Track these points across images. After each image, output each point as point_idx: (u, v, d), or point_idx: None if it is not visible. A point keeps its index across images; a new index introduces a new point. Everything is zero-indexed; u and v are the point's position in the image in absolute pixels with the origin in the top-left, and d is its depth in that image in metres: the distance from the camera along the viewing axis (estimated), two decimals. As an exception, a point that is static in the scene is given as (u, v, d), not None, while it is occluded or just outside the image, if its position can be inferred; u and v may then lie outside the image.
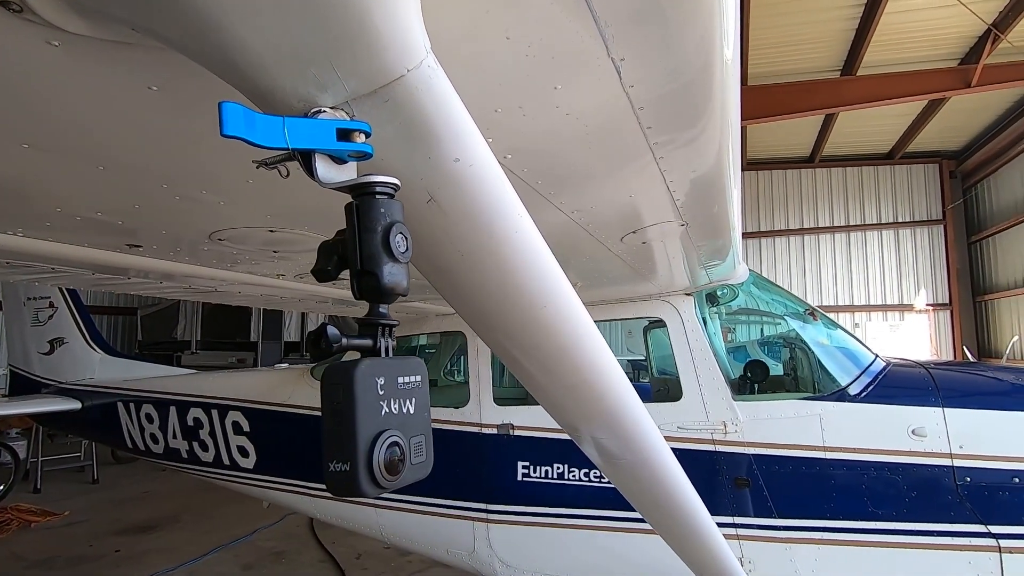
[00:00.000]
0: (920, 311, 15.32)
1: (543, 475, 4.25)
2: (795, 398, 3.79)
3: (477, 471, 4.53)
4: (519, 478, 4.32)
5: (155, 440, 6.09)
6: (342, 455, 0.71)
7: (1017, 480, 3.30)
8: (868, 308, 15.60)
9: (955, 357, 14.32)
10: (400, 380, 0.77)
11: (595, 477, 4.07)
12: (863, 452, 3.55)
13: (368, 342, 0.79)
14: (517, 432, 4.39)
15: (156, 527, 7.96)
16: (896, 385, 3.68)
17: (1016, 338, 13.21)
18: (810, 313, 4.53)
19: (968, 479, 3.34)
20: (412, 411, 0.77)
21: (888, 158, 15.85)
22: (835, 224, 16.14)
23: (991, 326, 14.84)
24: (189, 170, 1.36)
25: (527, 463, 4.32)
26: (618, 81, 1.11)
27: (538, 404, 5.11)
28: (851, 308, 15.51)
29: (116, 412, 6.43)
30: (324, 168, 0.74)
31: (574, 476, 4.15)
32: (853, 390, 3.66)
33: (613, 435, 1.46)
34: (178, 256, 2.27)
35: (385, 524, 4.94)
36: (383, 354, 0.79)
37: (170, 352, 14.55)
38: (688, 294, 4.10)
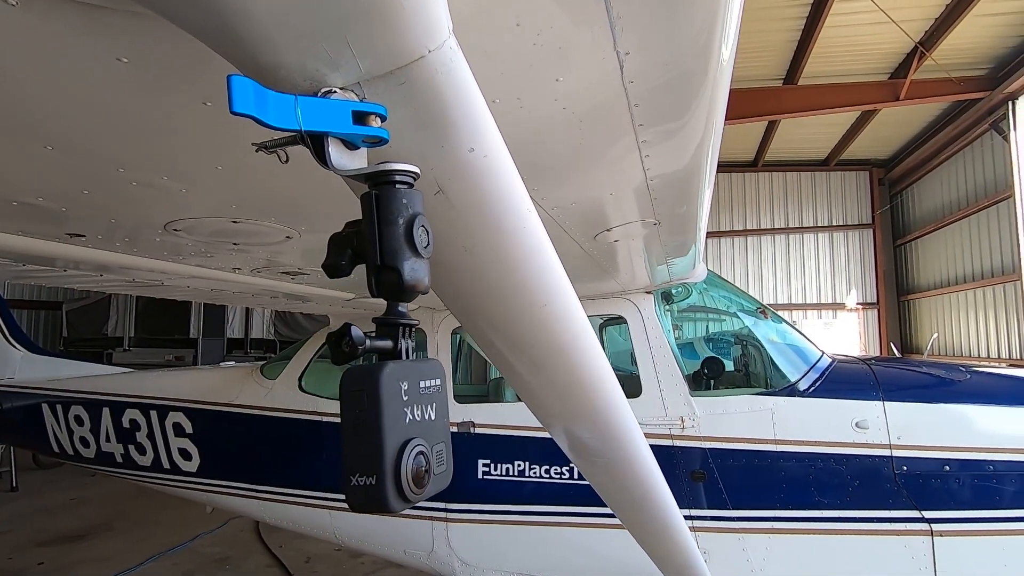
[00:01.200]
0: (851, 310, 16.29)
1: (504, 473, 4.23)
2: (749, 393, 3.92)
3: (437, 470, 4.47)
4: (480, 476, 4.28)
5: (85, 444, 5.68)
6: (366, 468, 0.65)
7: (947, 468, 3.54)
8: (804, 307, 16.43)
9: (881, 353, 15.29)
10: (422, 384, 0.72)
11: (555, 474, 4.09)
12: (811, 444, 3.71)
13: (388, 343, 0.73)
14: (478, 430, 4.35)
15: (85, 536, 7.44)
16: (841, 380, 3.87)
17: (935, 335, 14.25)
18: (761, 311, 4.71)
19: (905, 468, 3.55)
20: (433, 417, 0.72)
21: (824, 165, 16.73)
22: (775, 226, 16.90)
23: (913, 324, 15.95)
24: (151, 153, 1.24)
25: (488, 461, 4.29)
26: (619, 76, 1.10)
27: (500, 402, 5.10)
28: (789, 306, 16.28)
29: (40, 414, 5.95)
30: (337, 153, 0.68)
31: (535, 473, 4.16)
32: (802, 386, 3.82)
33: (598, 434, 1.45)
34: (125, 247, 2.11)
35: (340, 526, 4.80)
36: (404, 356, 0.73)
37: (100, 349, 13.61)
38: (648, 292, 4.17)
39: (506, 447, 4.25)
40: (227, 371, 5.96)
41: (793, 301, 16.51)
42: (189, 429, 5.44)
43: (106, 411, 5.64)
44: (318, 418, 4.91)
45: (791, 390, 3.82)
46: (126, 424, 5.58)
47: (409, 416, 0.68)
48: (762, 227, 16.82)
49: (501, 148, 0.80)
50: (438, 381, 0.76)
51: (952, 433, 3.58)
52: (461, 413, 4.40)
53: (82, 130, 1.13)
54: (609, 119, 1.30)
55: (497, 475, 4.25)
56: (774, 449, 3.74)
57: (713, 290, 4.88)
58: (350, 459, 0.66)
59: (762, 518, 3.71)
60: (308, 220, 1.80)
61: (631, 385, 4.35)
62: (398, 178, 0.70)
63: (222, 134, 1.11)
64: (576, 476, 4.03)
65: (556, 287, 1.00)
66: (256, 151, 0.74)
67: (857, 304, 16.29)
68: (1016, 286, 11.80)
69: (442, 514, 4.40)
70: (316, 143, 0.66)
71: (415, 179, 0.72)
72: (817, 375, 3.87)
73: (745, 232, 16.76)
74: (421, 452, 0.68)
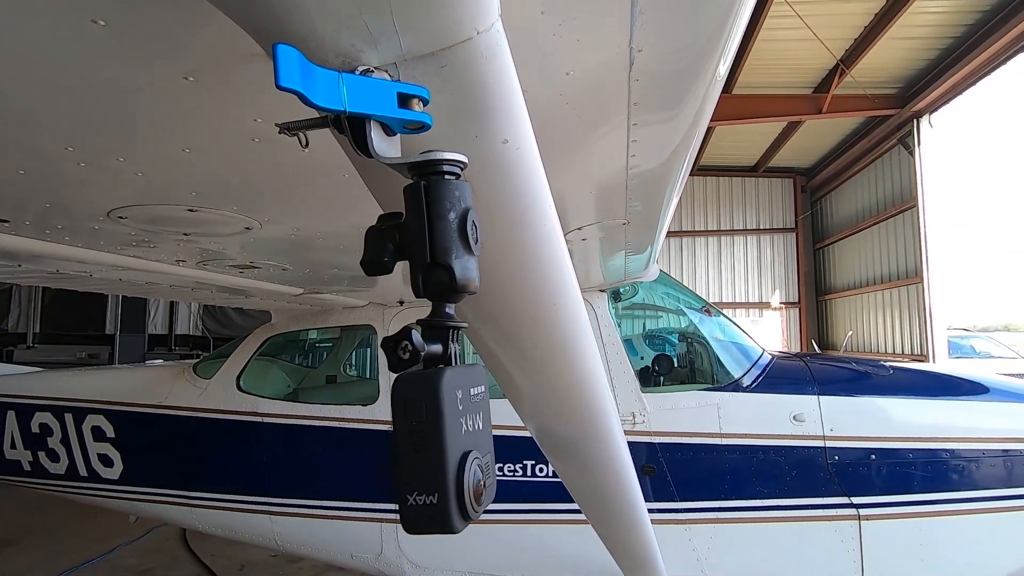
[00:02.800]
0: (775, 308, 17.32)
1: (457, 471, 4.18)
2: (696, 389, 4.06)
3: (386, 471, 4.35)
4: (431, 476, 4.22)
5: (-14, 451, 5.14)
6: (426, 485, 0.60)
7: (873, 456, 3.80)
8: (733, 305, 17.29)
9: (802, 349, 16.33)
10: (471, 391, 0.66)
11: (509, 472, 4.08)
12: (753, 437, 3.89)
13: (439, 348, 0.67)
14: (429, 429, 4.28)
15: (-16, 553, 6.74)
16: (780, 376, 4.07)
17: (850, 332, 15.38)
18: (706, 310, 4.89)
19: (836, 457, 3.79)
20: (480, 427, 0.67)
21: (753, 171, 17.65)
22: (708, 228, 17.67)
23: (830, 322, 17.15)
24: (111, 131, 1.11)
25: (438, 460, 4.23)
26: (627, 73, 1.08)
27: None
28: (719, 305, 17.07)
29: (-70, 420, 5.33)
30: (379, 139, 0.61)
31: (487, 471, 4.13)
32: (745, 381, 3.99)
33: (583, 433, 1.44)
34: (55, 235, 1.89)
35: (281, 532, 4.58)
36: (454, 362, 0.67)
37: (-2, 346, 12.36)
38: (602, 290, 4.23)
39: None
40: (154, 370, 5.56)
41: (723, 300, 17.33)
42: (111, 433, 5.04)
43: (11, 415, 5.13)
44: (258, 419, 4.66)
45: (736, 386, 3.98)
46: (35, 429, 5.09)
47: (464, 427, 0.63)
48: (696, 229, 17.53)
49: (532, 141, 0.77)
50: (483, 388, 0.71)
51: (877, 424, 3.85)
52: (412, 412, 4.31)
53: (33, 100, 0.99)
54: (604, 114, 1.29)
55: (449, 474, 4.20)
56: (720, 443, 3.89)
57: (660, 288, 5.01)
58: (406, 476, 0.60)
59: (708, 509, 3.86)
60: (273, 210, 1.68)
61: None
62: (447, 168, 0.64)
63: (200, 114, 1.01)
64: (531, 473, 4.03)
65: (566, 286, 0.98)
66: (279, 132, 0.66)
67: (781, 303, 17.33)
68: (918, 288, 12.91)
69: (392, 515, 4.30)
70: (356, 127, 0.60)
71: (463, 168, 0.67)
72: (759, 371, 4.06)
73: (680, 233, 17.42)
74: (479, 465, 0.63)
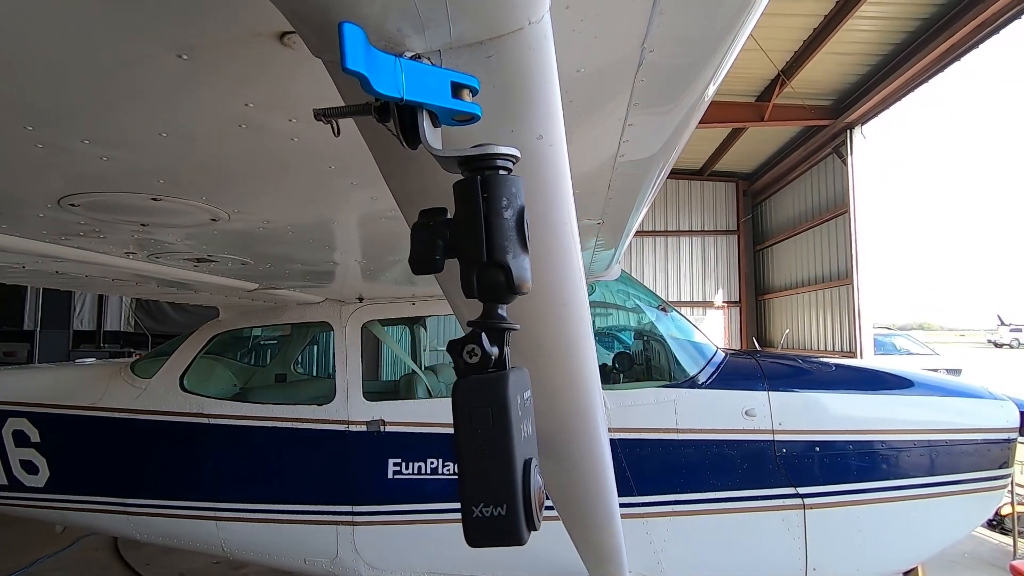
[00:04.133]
0: (718, 307, 18.02)
1: (416, 471, 4.12)
2: (654, 386, 4.16)
3: (342, 472, 4.23)
4: (390, 476, 4.14)
5: None
6: (493, 496, 0.58)
7: (817, 448, 4.01)
8: (679, 304, 17.85)
9: (742, 346, 17.08)
10: (525, 396, 0.64)
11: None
12: (708, 432, 4.02)
13: (496, 351, 0.63)
14: (389, 428, 4.19)
15: None
16: (734, 373, 4.23)
17: (788, 331, 16.20)
18: (662, 308, 5.01)
19: (784, 450, 3.97)
20: (531, 432, 0.64)
21: (699, 174, 18.28)
22: (656, 229, 18.17)
23: (768, 321, 18.00)
24: (81, 110, 1.01)
25: (399, 460, 4.15)
26: (634, 74, 1.08)
27: (411, 398, 4.93)
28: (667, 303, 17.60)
29: None
30: (429, 130, 0.57)
31: (449, 470, 4.09)
32: (701, 378, 4.12)
33: (572, 434, 1.43)
34: (-9, 222, 1.72)
35: (228, 538, 4.39)
36: (507, 365, 0.64)
37: None
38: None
39: (419, 445, 4.14)
40: (87, 369, 5.18)
41: (669, 298, 17.87)
42: (35, 438, 4.68)
43: (-82, 420, 4.68)
44: (204, 420, 4.44)
45: (692, 383, 4.10)
46: (-54, 434, 4.66)
47: (523, 432, 0.61)
48: (644, 229, 17.98)
49: (563, 139, 0.75)
50: (530, 392, 0.68)
51: (821, 418, 4.05)
52: (370, 411, 4.21)
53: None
54: (602, 114, 1.29)
55: (409, 474, 4.13)
56: (676, 438, 4.00)
57: (619, 287, 5.10)
58: (472, 487, 0.57)
59: (664, 503, 3.96)
60: (246, 201, 1.59)
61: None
62: (502, 162, 0.61)
63: (189, 95, 0.93)
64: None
65: (577, 285, 0.97)
66: (315, 118, 0.61)
67: (723, 302, 18.04)
68: (849, 289, 13.74)
69: (348, 517, 4.19)
70: (408, 117, 0.56)
71: (515, 164, 0.63)
72: (714, 369, 4.20)
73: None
74: (537, 472, 0.61)
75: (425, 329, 7.50)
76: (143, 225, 1.78)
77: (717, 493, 3.94)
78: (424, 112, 0.56)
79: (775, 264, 17.84)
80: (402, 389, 4.72)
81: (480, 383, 0.60)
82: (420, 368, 5.17)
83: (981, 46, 9.24)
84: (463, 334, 0.64)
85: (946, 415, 4.11)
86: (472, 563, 4.10)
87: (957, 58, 10.12)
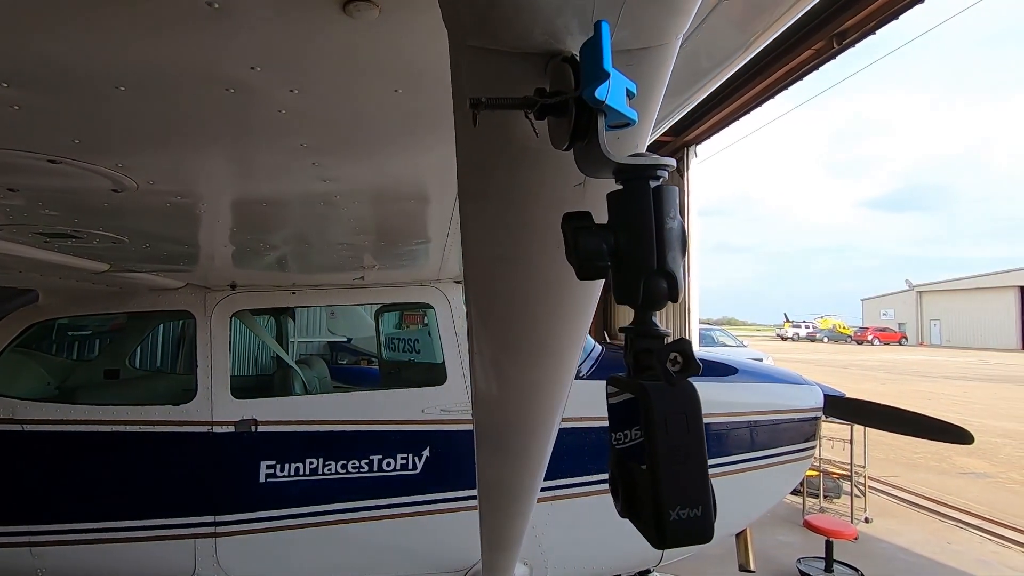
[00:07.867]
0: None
1: (293, 473, 3.84)
2: (540, 378, 4.35)
3: (204, 478, 3.79)
4: (262, 480, 3.80)
5: None
6: (691, 498, 0.59)
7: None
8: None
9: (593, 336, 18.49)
10: None
11: (354, 468, 3.87)
12: (587, 420, 4.31)
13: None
14: (262, 428, 3.84)
15: None
16: (610, 365, 4.57)
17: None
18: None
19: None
20: None
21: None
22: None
23: (614, 317, 19.75)
24: (19, 43, 0.79)
25: (273, 462, 3.83)
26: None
27: (287, 395, 4.60)
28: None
29: None
30: (603, 135, 0.56)
31: (330, 470, 3.88)
32: (582, 371, 4.40)
33: (530, 430, 1.46)
34: None
35: (49, 564, 3.70)
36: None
37: None
38: (458, 281, 4.25)
39: (297, 444, 3.86)
40: None
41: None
42: None
43: None
44: (16, 426, 3.67)
45: (576, 375, 4.35)
46: None
47: None
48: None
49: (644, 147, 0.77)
50: None
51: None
52: (240, 410, 3.82)
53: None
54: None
55: (285, 476, 3.84)
56: (561, 426, 4.22)
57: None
58: (670, 491, 0.58)
59: (549, 488, 4.17)
60: (171, 171, 1.36)
61: (436, 373, 4.39)
62: (661, 173, 0.62)
63: (197, 51, 0.79)
64: (377, 468, 3.88)
65: (594, 285, 1.00)
66: (469, 107, 0.56)
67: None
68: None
69: (209, 528, 3.77)
70: (586, 119, 0.54)
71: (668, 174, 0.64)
72: (593, 361, 4.50)
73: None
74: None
75: (294, 320, 6.93)
76: (11, 190, 1.43)
77: (591, 476, 4.24)
78: (604, 116, 0.55)
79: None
80: (276, 385, 4.34)
81: (676, 391, 0.62)
82: (292, 362, 4.79)
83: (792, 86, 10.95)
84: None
85: (769, 398, 4.86)
86: (336, 565, 3.94)
87: (771, 96, 11.94)
